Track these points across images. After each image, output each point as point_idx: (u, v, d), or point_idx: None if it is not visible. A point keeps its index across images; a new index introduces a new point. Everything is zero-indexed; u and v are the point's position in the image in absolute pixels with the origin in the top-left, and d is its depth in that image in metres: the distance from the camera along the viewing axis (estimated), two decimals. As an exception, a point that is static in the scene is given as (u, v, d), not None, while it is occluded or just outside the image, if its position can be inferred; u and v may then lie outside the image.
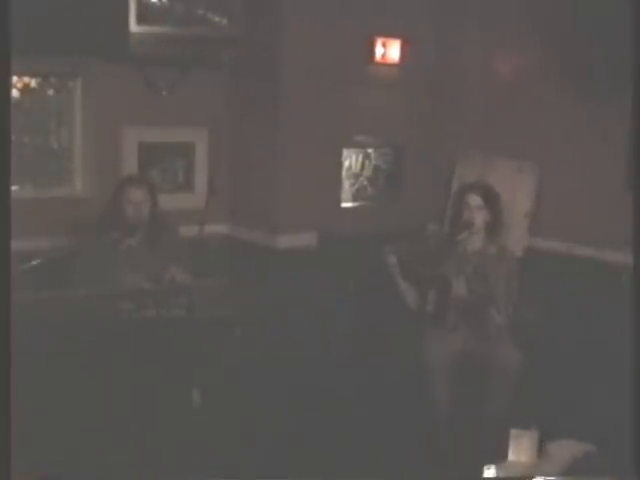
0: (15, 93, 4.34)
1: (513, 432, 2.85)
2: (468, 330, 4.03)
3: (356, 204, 5.14)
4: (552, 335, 4.38)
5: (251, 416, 3.90)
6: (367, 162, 5.17)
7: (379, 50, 4.94)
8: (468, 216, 4.05)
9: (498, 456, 2.83)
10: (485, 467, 2.79)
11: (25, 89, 4.41)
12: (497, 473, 2.78)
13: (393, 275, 4.14)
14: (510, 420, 3.03)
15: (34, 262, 3.50)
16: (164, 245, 3.99)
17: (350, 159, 5.08)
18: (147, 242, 3.98)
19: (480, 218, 4.06)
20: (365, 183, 5.18)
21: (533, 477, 2.75)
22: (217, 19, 4.28)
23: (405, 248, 4.19)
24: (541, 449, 2.86)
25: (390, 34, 4.95)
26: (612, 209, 4.31)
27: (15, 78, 4.32)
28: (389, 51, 4.96)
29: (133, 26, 4.03)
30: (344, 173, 5.06)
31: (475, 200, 4.05)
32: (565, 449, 2.85)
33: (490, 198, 4.09)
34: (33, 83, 4.44)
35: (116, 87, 4.49)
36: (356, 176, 5.13)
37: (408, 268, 4.13)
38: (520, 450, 2.84)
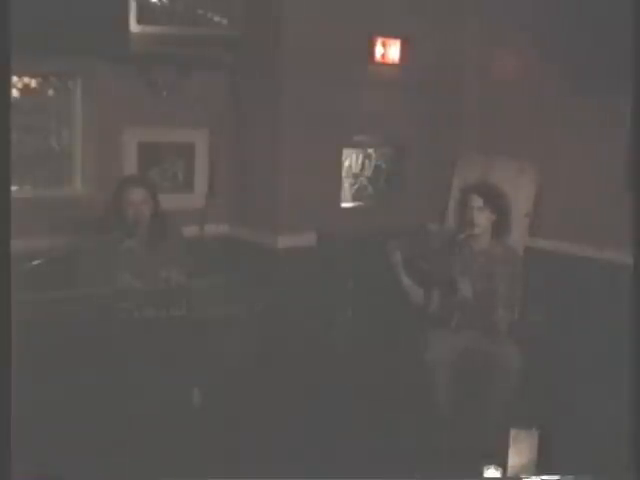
0: (15, 93, 4.34)
1: (513, 432, 2.85)
2: (472, 330, 4.02)
3: (356, 204, 5.14)
4: (552, 335, 4.38)
5: (251, 416, 3.90)
6: (367, 162, 5.17)
7: (379, 50, 4.93)
8: (470, 216, 4.06)
9: (498, 456, 2.83)
10: (485, 467, 2.79)
11: (25, 89, 4.40)
12: (497, 473, 2.78)
13: (397, 273, 4.12)
14: (510, 420, 3.02)
15: (34, 262, 3.50)
16: (164, 245, 3.98)
17: (350, 159, 5.08)
18: (147, 242, 3.98)
19: (482, 218, 4.06)
20: (365, 183, 5.18)
21: (532, 477, 2.75)
22: (217, 19, 4.28)
23: (409, 246, 4.18)
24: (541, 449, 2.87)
25: (390, 34, 4.94)
26: (612, 209, 4.31)
27: (15, 78, 4.32)
28: (389, 51, 4.96)
29: (133, 26, 4.04)
30: (344, 173, 5.05)
31: (477, 201, 4.05)
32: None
33: (492, 198, 4.09)
34: (33, 83, 4.43)
35: (116, 87, 4.48)
36: (356, 176, 5.13)
37: (412, 266, 4.12)
38: (520, 450, 2.84)
